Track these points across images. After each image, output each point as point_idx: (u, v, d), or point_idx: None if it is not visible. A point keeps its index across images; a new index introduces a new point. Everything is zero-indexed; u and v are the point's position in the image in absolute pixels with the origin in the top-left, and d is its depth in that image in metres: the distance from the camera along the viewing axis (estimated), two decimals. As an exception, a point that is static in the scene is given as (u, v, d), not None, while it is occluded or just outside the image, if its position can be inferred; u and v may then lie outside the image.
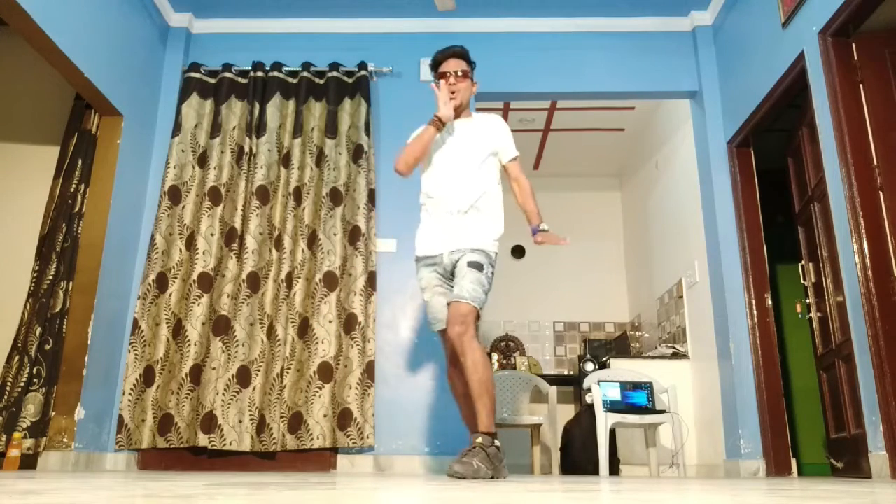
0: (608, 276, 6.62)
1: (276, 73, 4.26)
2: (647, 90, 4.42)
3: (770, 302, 3.90)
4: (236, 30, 4.51)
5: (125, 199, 3.92)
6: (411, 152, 2.92)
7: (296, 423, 3.66)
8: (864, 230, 2.94)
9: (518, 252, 6.72)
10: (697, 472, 4.37)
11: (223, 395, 3.66)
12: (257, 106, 4.19)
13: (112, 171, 3.82)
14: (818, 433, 4.59)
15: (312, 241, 3.97)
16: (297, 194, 4.03)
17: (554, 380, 5.42)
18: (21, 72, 4.45)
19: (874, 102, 3.05)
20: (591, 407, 4.14)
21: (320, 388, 3.69)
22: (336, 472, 3.61)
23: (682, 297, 4.81)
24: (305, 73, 4.27)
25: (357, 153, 4.11)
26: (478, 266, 2.75)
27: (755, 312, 3.89)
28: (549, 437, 4.98)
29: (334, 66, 4.29)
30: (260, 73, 4.26)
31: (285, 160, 4.10)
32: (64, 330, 3.58)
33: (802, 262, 3.77)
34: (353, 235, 3.96)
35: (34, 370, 3.49)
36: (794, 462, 3.72)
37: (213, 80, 4.28)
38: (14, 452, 3.29)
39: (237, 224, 3.96)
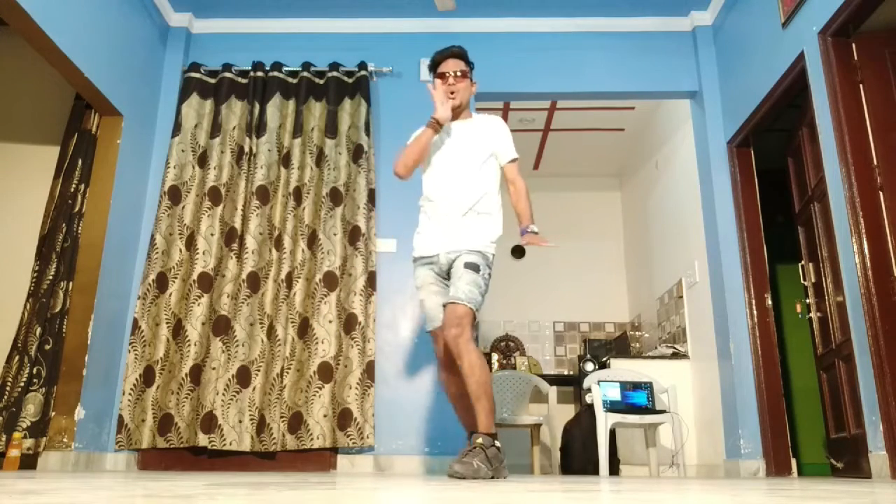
0: (608, 276, 6.62)
1: (276, 73, 4.26)
2: (647, 90, 4.42)
3: (770, 302, 3.90)
4: (236, 30, 4.51)
5: (125, 199, 3.92)
6: (409, 155, 2.92)
7: (296, 423, 3.66)
8: (864, 230, 2.94)
9: (518, 252, 6.72)
10: (697, 472, 4.37)
11: (223, 395, 3.66)
12: (257, 106, 4.19)
13: (112, 171, 3.82)
14: (818, 433, 4.59)
15: (312, 241, 3.97)
16: (297, 194, 4.03)
17: (554, 380, 5.43)
18: (21, 72, 4.45)
19: (874, 102, 3.05)
20: (591, 407, 4.14)
21: (320, 388, 3.69)
22: (336, 472, 3.61)
23: (682, 297, 4.81)
24: (305, 73, 4.27)
25: (357, 153, 4.11)
26: (474, 267, 2.74)
27: (755, 312, 3.89)
28: (549, 437, 4.98)
29: (334, 66, 4.29)
30: (260, 73, 4.26)
31: (285, 160, 4.10)
32: (64, 330, 3.58)
33: (802, 262, 3.77)
34: (353, 235, 3.96)
35: (34, 370, 3.49)
36: (794, 462, 3.72)
37: (213, 80, 4.28)
38: (14, 452, 3.29)
39: (237, 224, 3.96)
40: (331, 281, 3.87)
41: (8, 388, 3.50)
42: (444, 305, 2.74)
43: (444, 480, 2.28)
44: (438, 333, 2.83)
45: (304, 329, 3.82)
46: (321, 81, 4.28)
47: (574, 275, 6.61)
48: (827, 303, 3.46)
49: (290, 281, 3.87)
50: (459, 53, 2.99)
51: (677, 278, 4.92)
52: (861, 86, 3.09)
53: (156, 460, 3.70)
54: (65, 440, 3.45)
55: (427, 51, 3.11)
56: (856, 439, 3.13)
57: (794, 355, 5.18)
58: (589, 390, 4.16)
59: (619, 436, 4.50)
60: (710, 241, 4.22)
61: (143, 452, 3.70)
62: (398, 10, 4.41)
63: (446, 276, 2.86)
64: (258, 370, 3.71)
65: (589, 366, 5.19)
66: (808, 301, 3.70)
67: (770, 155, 4.32)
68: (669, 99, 4.89)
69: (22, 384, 3.47)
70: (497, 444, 2.61)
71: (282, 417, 3.66)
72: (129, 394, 3.68)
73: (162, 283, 3.88)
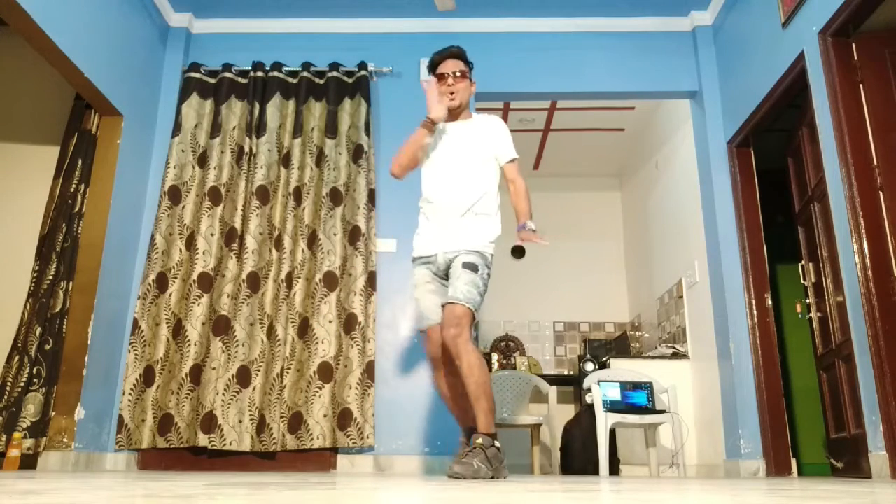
0: (608, 276, 6.62)
1: (276, 73, 4.26)
2: (647, 90, 4.42)
3: (770, 302, 3.90)
4: (236, 30, 4.51)
5: (125, 199, 3.92)
6: (403, 155, 2.93)
7: (296, 423, 3.66)
8: (864, 230, 2.94)
9: (518, 252, 6.72)
10: (697, 472, 4.37)
11: (223, 395, 3.66)
12: (257, 106, 4.19)
13: (112, 171, 3.82)
14: (818, 433, 4.59)
15: (312, 241, 3.97)
16: (297, 194, 4.03)
17: (554, 380, 5.42)
18: (21, 72, 4.45)
19: (874, 102, 3.05)
20: (591, 407, 4.14)
21: (320, 388, 3.69)
22: (336, 472, 3.61)
23: (682, 297, 4.81)
24: (305, 73, 4.27)
25: (357, 153, 4.11)
26: (472, 267, 2.74)
27: (755, 312, 3.89)
28: (549, 437, 4.98)
29: (334, 66, 4.29)
30: (260, 73, 4.26)
31: (285, 160, 4.10)
32: (64, 330, 3.58)
33: (802, 262, 3.77)
34: (353, 235, 3.96)
35: (34, 370, 3.49)
36: (794, 462, 3.72)
37: (213, 80, 4.28)
38: (14, 452, 3.29)
39: (237, 224, 3.96)
40: (331, 281, 3.87)
41: (8, 388, 3.50)
42: (443, 306, 2.73)
43: (444, 480, 2.28)
44: (430, 332, 2.82)
45: (304, 329, 3.82)
46: (321, 81, 4.28)
47: (574, 275, 6.61)
48: (827, 303, 3.46)
49: (290, 281, 3.87)
50: (458, 53, 2.99)
51: (677, 278, 4.92)
52: (861, 86, 3.08)
53: (156, 460, 3.70)
54: (65, 440, 3.45)
55: (427, 51, 3.11)
56: (856, 439, 3.13)
57: (794, 355, 5.18)
58: (589, 390, 4.16)
59: (619, 436, 4.50)
60: (710, 241, 4.22)
61: (143, 452, 3.70)
62: (398, 10, 4.41)
63: (444, 276, 2.86)
64: (258, 370, 3.71)
65: (589, 366, 5.19)
66: (808, 301, 3.70)
67: (770, 155, 4.32)
68: (669, 99, 4.89)
69: (22, 384, 3.47)
70: (497, 444, 2.61)
71: (282, 417, 3.66)
72: (129, 394, 3.68)
73: (162, 283, 3.88)
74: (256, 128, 4.16)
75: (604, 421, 3.97)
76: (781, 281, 5.21)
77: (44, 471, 3.21)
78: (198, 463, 3.70)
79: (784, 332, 5.07)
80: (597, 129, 6.04)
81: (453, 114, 2.99)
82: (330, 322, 3.80)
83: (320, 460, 3.68)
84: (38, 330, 3.55)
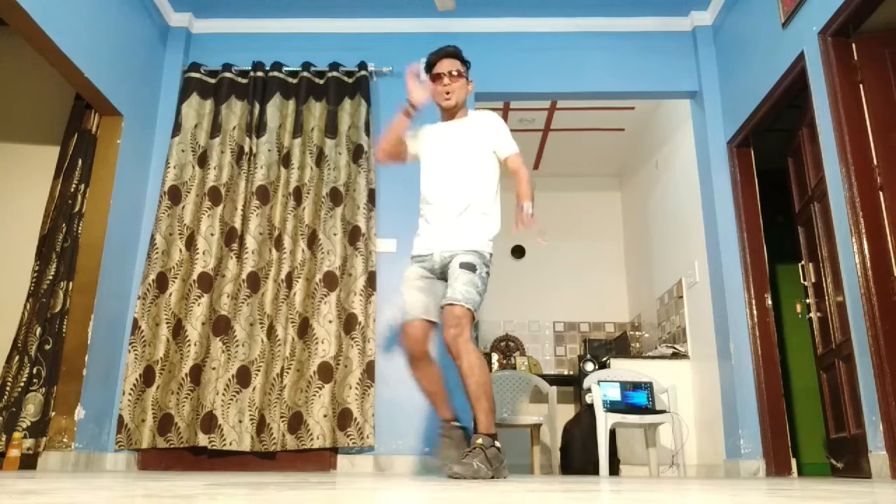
0: (608, 276, 6.62)
1: (276, 73, 4.26)
2: (647, 90, 4.42)
3: (770, 302, 3.89)
4: (236, 30, 4.51)
5: (125, 199, 3.92)
6: (383, 139, 2.97)
7: (296, 423, 3.66)
8: (864, 230, 2.94)
9: (518, 252, 6.72)
10: (697, 472, 4.37)
11: (223, 395, 3.66)
12: (257, 106, 4.19)
13: (112, 171, 3.82)
14: (818, 433, 4.59)
15: (312, 241, 3.97)
16: (297, 194, 4.03)
17: (554, 380, 5.42)
18: (21, 72, 4.45)
19: (874, 102, 3.05)
20: (591, 407, 4.14)
21: (320, 388, 3.69)
22: (336, 472, 3.61)
23: (682, 297, 4.81)
24: (305, 73, 4.27)
25: (357, 153, 4.11)
26: (470, 267, 2.72)
27: (755, 312, 3.89)
28: (549, 437, 4.98)
29: (334, 66, 4.29)
30: (260, 73, 4.26)
31: (285, 160, 4.10)
32: (64, 330, 3.58)
33: (802, 262, 3.77)
34: (353, 235, 3.96)
35: (34, 370, 3.49)
36: (794, 462, 3.72)
37: (213, 80, 4.28)
38: (14, 452, 3.29)
39: (237, 224, 3.96)
40: (331, 281, 3.87)
41: (8, 388, 3.50)
42: (442, 307, 2.73)
43: (444, 480, 2.28)
44: (408, 327, 2.81)
45: (304, 329, 3.82)
46: (321, 81, 4.28)
47: (574, 275, 6.61)
48: (827, 303, 3.46)
49: (290, 281, 3.87)
50: (454, 53, 2.98)
51: (677, 278, 4.92)
52: (861, 86, 3.08)
53: (156, 460, 3.70)
54: (65, 440, 3.45)
55: (427, 51, 3.10)
56: (856, 439, 3.13)
57: (794, 355, 5.18)
58: (589, 390, 4.16)
59: (619, 436, 4.50)
60: (710, 241, 4.22)
61: (143, 452, 3.70)
62: (398, 10, 4.41)
63: (439, 276, 2.85)
64: (258, 370, 3.71)
65: (589, 366, 5.19)
66: (808, 301, 3.70)
67: (770, 155, 4.32)
68: (669, 99, 4.89)
69: (22, 384, 3.47)
70: (497, 444, 2.61)
71: (282, 417, 3.66)
72: (129, 394, 3.68)
73: (162, 283, 3.88)
74: (256, 128, 4.16)
75: (604, 421, 3.97)
76: (781, 281, 5.21)
77: (44, 471, 3.21)
78: (198, 463, 3.70)
79: (784, 332, 5.07)
80: (597, 129, 6.05)
81: (450, 113, 2.98)
82: (330, 322, 3.81)
83: (320, 460, 3.68)
84: (38, 330, 3.55)
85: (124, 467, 3.68)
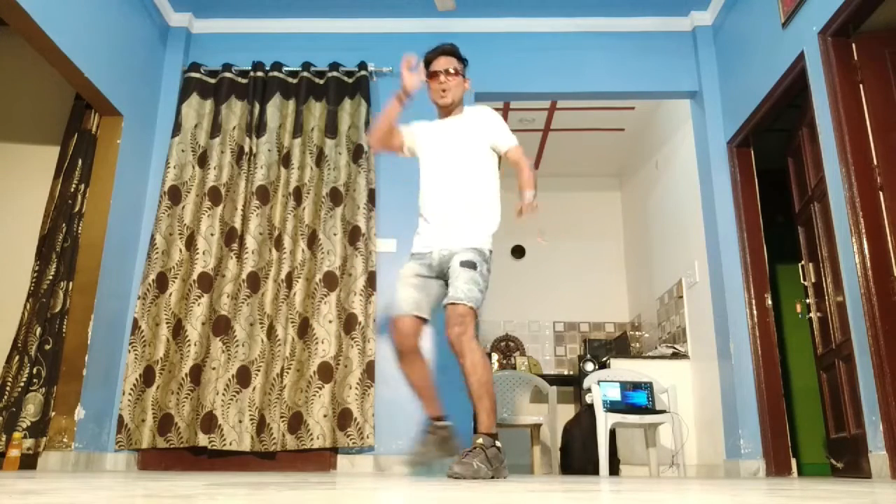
0: (608, 276, 6.62)
1: (276, 73, 4.26)
2: (647, 90, 4.42)
3: (770, 302, 3.89)
4: (236, 30, 4.51)
5: (125, 199, 3.92)
6: (375, 124, 2.99)
7: (296, 423, 3.66)
8: (864, 230, 2.94)
9: (518, 252, 6.72)
10: (697, 472, 4.37)
11: (223, 395, 3.66)
12: (257, 106, 4.19)
13: (112, 171, 3.82)
14: (818, 433, 4.58)
15: (312, 241, 3.97)
16: (297, 194, 4.03)
17: (554, 380, 5.42)
18: (21, 72, 4.45)
19: (874, 102, 3.05)
20: (591, 407, 4.14)
21: (320, 388, 3.69)
22: (336, 472, 3.61)
23: (682, 297, 4.81)
24: (305, 73, 4.27)
25: (357, 153, 4.11)
26: (470, 265, 2.71)
27: (755, 312, 3.89)
28: (549, 437, 4.98)
29: (334, 66, 4.30)
30: (260, 73, 4.26)
31: (285, 160, 4.10)
32: (64, 330, 3.58)
33: (802, 262, 3.77)
34: (353, 235, 3.96)
35: (34, 370, 3.49)
36: (794, 462, 3.72)
37: (213, 80, 4.28)
38: (14, 452, 3.29)
39: (237, 224, 3.96)
40: (331, 281, 3.87)
41: (8, 388, 3.50)
42: (445, 306, 2.72)
43: (444, 480, 2.28)
44: (398, 322, 2.80)
45: (304, 329, 3.82)
46: (321, 81, 4.28)
47: (574, 275, 6.61)
48: (827, 303, 3.46)
49: (290, 281, 3.87)
50: (450, 51, 2.97)
51: (677, 278, 4.92)
52: (861, 86, 3.08)
53: (156, 460, 3.71)
54: (65, 440, 3.45)
55: (427, 51, 3.10)
56: (856, 439, 3.13)
57: (794, 355, 5.18)
58: (589, 390, 4.16)
59: (619, 436, 4.50)
60: (710, 241, 4.22)
61: (143, 452, 3.70)
62: (398, 10, 4.41)
63: (437, 274, 2.85)
64: (258, 370, 3.71)
65: (589, 366, 5.19)
66: (808, 301, 3.70)
67: (770, 155, 4.32)
68: (669, 99, 4.89)
69: (22, 384, 3.47)
70: (498, 444, 2.61)
71: (282, 417, 3.66)
72: (129, 394, 3.69)
73: (162, 283, 3.88)
74: (256, 128, 4.16)
75: (604, 421, 3.97)
76: (781, 281, 5.20)
77: (44, 471, 3.21)
78: (198, 463, 3.70)
79: (784, 332, 5.07)
80: (597, 129, 6.05)
81: (446, 110, 2.98)
82: (330, 322, 3.81)
83: (320, 460, 3.68)
84: (38, 330, 3.55)
85: (124, 467, 3.68)
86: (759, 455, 3.72)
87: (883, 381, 2.80)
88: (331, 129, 4.15)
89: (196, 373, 3.73)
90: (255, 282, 3.87)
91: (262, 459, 3.68)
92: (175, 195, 4.04)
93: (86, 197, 3.80)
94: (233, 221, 3.97)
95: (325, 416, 3.64)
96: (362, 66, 4.28)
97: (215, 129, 4.16)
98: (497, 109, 3.08)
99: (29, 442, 3.38)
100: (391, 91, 2.97)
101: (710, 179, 4.18)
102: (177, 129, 4.15)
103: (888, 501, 1.26)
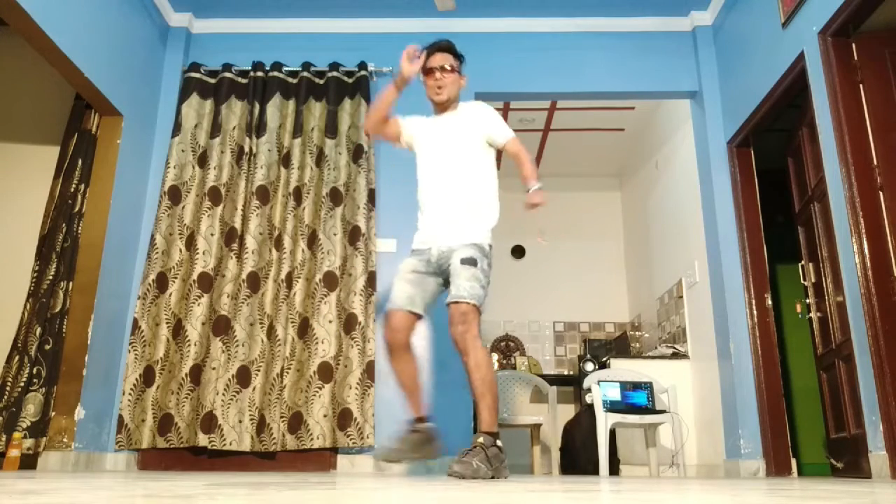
0: (608, 276, 6.62)
1: (276, 73, 4.26)
2: (647, 90, 4.42)
3: (770, 302, 3.89)
4: (236, 30, 4.51)
5: (125, 199, 3.92)
6: (371, 110, 3.00)
7: (296, 423, 3.66)
8: (864, 230, 2.94)
9: (518, 252, 6.72)
10: (697, 472, 4.37)
11: (223, 395, 3.66)
12: (257, 106, 4.19)
13: (112, 171, 3.82)
14: (818, 433, 4.58)
15: (312, 241, 3.97)
16: (297, 194, 4.03)
17: (554, 380, 5.42)
18: (21, 72, 4.45)
19: (874, 102, 3.05)
20: (591, 407, 4.14)
21: (320, 388, 3.69)
22: (336, 472, 3.61)
23: (682, 297, 4.81)
24: (305, 73, 4.27)
25: (357, 153, 4.11)
26: (471, 262, 2.71)
27: (755, 312, 3.89)
28: (549, 437, 4.98)
29: (334, 66, 4.30)
30: (260, 73, 4.26)
31: (285, 160, 4.10)
32: (64, 330, 3.58)
33: (802, 262, 3.77)
34: (353, 235, 3.96)
35: (34, 370, 3.49)
36: (794, 462, 3.72)
37: (213, 80, 4.28)
38: (14, 452, 3.29)
39: (237, 224, 3.96)
40: (331, 281, 3.87)
41: (8, 388, 3.50)
42: (448, 304, 2.72)
43: (445, 480, 2.28)
44: (392, 317, 2.79)
45: (304, 329, 3.82)
46: (321, 81, 4.28)
47: (574, 275, 6.61)
48: (827, 303, 3.46)
49: (290, 281, 3.87)
50: (447, 47, 2.96)
51: (677, 278, 4.92)
52: (861, 86, 3.08)
53: (156, 460, 3.71)
54: (65, 440, 3.45)
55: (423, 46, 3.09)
56: (856, 439, 3.13)
57: (794, 355, 5.18)
58: (589, 390, 4.16)
59: (619, 436, 4.50)
60: (710, 241, 4.22)
61: (143, 452, 3.70)
62: (398, 10, 4.41)
63: (434, 271, 2.84)
64: (258, 370, 3.71)
65: (589, 366, 5.19)
66: (808, 301, 3.70)
67: (770, 155, 4.32)
68: (669, 99, 4.89)
69: (22, 384, 3.47)
70: (498, 443, 2.60)
71: (282, 417, 3.66)
72: (129, 394, 3.69)
73: (162, 283, 3.88)
74: (256, 128, 4.16)
75: (604, 421, 3.97)
76: (781, 281, 5.20)
77: (44, 471, 3.21)
78: (198, 463, 3.70)
79: (784, 332, 5.07)
80: (597, 129, 6.05)
81: (442, 107, 2.97)
82: (330, 322, 3.81)
83: (320, 460, 3.68)
84: (38, 330, 3.55)
85: (124, 467, 3.68)
86: (759, 455, 3.72)
87: (883, 381, 2.80)
88: (331, 129, 4.15)
89: (196, 373, 3.73)
90: (255, 282, 3.87)
91: (262, 459, 3.68)
92: (175, 195, 4.04)
93: (86, 197, 3.80)
94: (233, 221, 3.97)
95: (325, 416, 3.64)
96: (362, 66, 4.28)
97: (215, 129, 4.16)
98: (497, 109, 3.07)
99: (29, 442, 3.38)
100: (393, 74, 2.97)
101: (710, 179, 4.18)
102: (177, 129, 4.15)
103: (888, 501, 1.26)
